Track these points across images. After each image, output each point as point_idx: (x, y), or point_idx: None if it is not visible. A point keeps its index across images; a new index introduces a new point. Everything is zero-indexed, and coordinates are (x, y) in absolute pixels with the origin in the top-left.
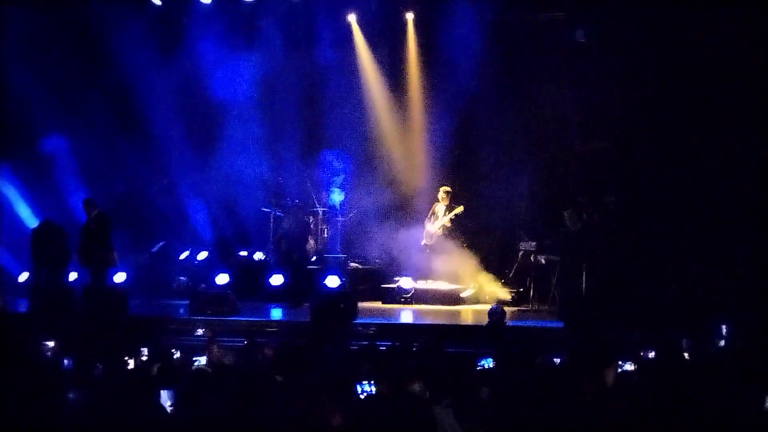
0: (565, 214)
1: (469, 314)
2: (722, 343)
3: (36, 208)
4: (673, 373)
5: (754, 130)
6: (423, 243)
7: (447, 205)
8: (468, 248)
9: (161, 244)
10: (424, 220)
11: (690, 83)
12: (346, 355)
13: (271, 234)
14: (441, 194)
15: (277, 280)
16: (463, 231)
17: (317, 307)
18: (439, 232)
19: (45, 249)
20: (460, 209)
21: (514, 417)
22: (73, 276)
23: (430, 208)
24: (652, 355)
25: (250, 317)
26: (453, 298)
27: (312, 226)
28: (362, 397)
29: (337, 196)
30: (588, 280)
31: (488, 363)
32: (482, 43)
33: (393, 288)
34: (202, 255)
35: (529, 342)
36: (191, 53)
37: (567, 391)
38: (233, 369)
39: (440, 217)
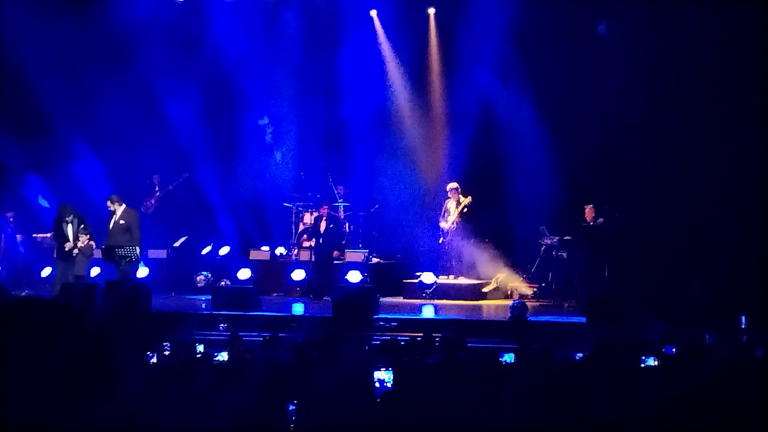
0: (587, 209)
1: (491, 309)
2: (744, 338)
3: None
4: (695, 369)
5: None
6: (440, 241)
7: (457, 200)
8: (490, 243)
9: (183, 238)
10: (438, 218)
11: (713, 81)
12: (367, 349)
13: (293, 229)
14: (450, 189)
15: (298, 275)
16: (484, 226)
17: (339, 301)
18: (453, 227)
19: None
20: (467, 200)
21: (534, 412)
22: (95, 271)
23: (443, 207)
24: (674, 351)
25: (272, 312)
26: (475, 293)
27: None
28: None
29: None
30: (610, 276)
31: (510, 358)
32: (504, 38)
33: (415, 283)
34: (225, 250)
35: (551, 337)
36: (213, 49)
37: (589, 386)
38: (255, 363)
39: (452, 213)
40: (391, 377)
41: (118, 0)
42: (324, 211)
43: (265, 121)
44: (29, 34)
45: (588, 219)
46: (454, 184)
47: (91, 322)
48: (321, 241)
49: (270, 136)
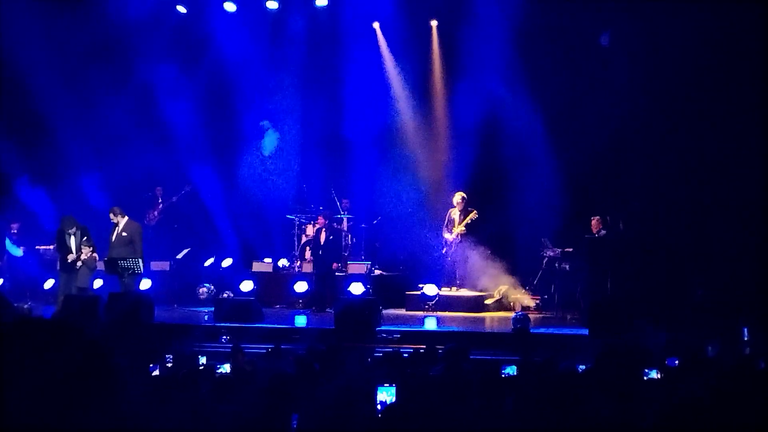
0: (594, 220)
1: (493, 321)
2: (747, 350)
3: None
4: (697, 382)
5: None
6: (443, 251)
7: (462, 210)
8: (492, 255)
9: (186, 251)
10: (442, 228)
11: (716, 90)
12: (370, 361)
13: (295, 241)
14: (457, 199)
15: (301, 287)
16: (487, 238)
17: (341, 313)
18: (458, 239)
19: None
20: (473, 215)
21: (537, 424)
22: (98, 283)
23: (446, 217)
24: (676, 362)
25: (275, 324)
26: (477, 305)
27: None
28: (380, 407)
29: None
30: (613, 287)
31: (512, 370)
32: (506, 50)
33: (417, 295)
34: (227, 262)
35: (554, 349)
36: (215, 58)
37: (591, 398)
38: (257, 375)
39: (456, 224)
40: (394, 392)
41: (117, 5)
42: (321, 222)
43: (267, 124)
44: (28, 42)
45: (594, 230)
46: (461, 194)
47: (90, 338)
48: (321, 253)
49: (267, 138)
